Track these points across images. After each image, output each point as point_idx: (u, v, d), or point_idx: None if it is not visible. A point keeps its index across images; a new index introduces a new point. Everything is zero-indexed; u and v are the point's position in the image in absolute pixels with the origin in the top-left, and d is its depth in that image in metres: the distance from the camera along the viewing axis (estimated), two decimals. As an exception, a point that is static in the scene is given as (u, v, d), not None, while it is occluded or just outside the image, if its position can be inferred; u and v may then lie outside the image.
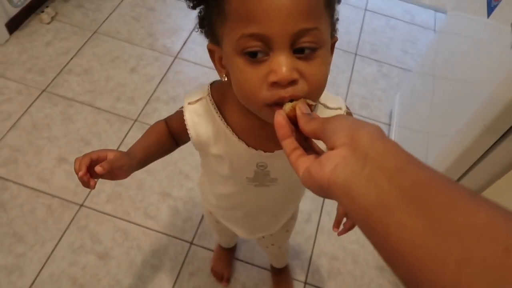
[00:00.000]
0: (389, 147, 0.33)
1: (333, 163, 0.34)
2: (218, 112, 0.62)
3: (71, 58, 1.88)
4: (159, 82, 1.84)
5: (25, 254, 1.33)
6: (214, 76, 0.57)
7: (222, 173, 0.71)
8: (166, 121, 0.74)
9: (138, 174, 1.53)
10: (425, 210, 0.28)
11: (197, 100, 0.63)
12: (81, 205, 1.45)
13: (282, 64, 0.44)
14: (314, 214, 1.52)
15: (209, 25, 0.52)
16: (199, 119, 0.64)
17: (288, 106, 0.43)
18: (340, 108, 0.65)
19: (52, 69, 1.82)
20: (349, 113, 0.68)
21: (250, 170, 0.67)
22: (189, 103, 0.64)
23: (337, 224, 0.78)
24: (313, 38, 0.45)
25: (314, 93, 0.48)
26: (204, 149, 0.67)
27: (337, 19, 0.52)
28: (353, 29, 2.26)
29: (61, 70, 1.82)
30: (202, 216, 1.47)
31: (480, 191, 1.09)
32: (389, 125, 1.82)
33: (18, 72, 1.78)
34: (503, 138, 0.93)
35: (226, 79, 0.54)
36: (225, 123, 0.62)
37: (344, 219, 0.77)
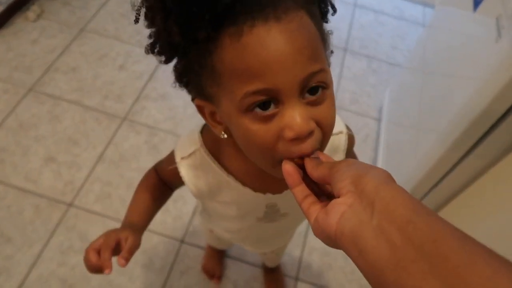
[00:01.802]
0: (396, 194, 0.32)
1: (339, 212, 0.33)
2: (216, 162, 0.58)
3: (58, 56, 1.85)
4: (148, 80, 1.83)
5: (13, 256, 1.31)
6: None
7: (229, 215, 0.68)
8: (157, 170, 0.69)
9: (128, 173, 1.52)
10: (441, 271, 0.26)
11: (191, 154, 0.59)
12: (70, 205, 1.43)
13: (296, 116, 0.40)
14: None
15: (193, 83, 0.46)
16: (197, 172, 0.60)
17: None
18: (341, 132, 0.63)
19: (39, 68, 1.79)
20: (350, 135, 0.65)
21: (259, 211, 0.65)
22: (182, 158, 0.60)
23: None
24: (321, 79, 0.41)
25: (327, 138, 0.45)
26: (207, 199, 0.64)
27: (332, 52, 0.48)
28: (343, 25, 2.26)
29: (48, 69, 1.80)
30: (193, 214, 1.46)
31: (469, 184, 1.09)
32: (379, 120, 1.82)
33: (4, 71, 1.75)
34: (489, 132, 0.94)
35: (225, 136, 0.49)
36: (226, 172, 0.58)
37: None
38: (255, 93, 0.39)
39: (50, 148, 1.56)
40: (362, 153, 1.73)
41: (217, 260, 1.35)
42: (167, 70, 1.86)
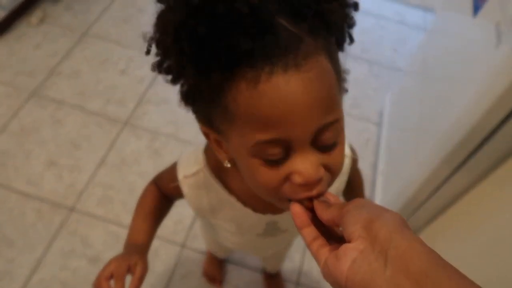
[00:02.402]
0: (411, 244, 0.30)
1: (350, 258, 0.32)
2: (219, 183, 0.59)
3: (60, 61, 1.86)
4: (150, 84, 1.83)
5: (15, 259, 1.31)
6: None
7: (229, 230, 0.69)
8: (157, 183, 0.69)
9: (129, 177, 1.52)
10: None
11: (194, 174, 0.60)
12: (72, 209, 1.43)
13: (307, 164, 0.39)
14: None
15: (202, 111, 0.44)
16: (199, 191, 0.60)
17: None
18: (346, 156, 0.62)
19: (41, 72, 1.80)
20: (354, 160, 0.65)
21: (259, 228, 0.65)
22: (185, 177, 0.60)
23: None
24: (335, 131, 0.40)
25: (334, 179, 0.44)
26: (208, 216, 0.65)
27: (346, 91, 0.46)
28: (344, 29, 2.27)
29: (50, 73, 1.81)
30: (194, 218, 1.46)
31: (470, 189, 1.09)
32: (380, 124, 1.83)
33: (6, 75, 1.77)
34: (489, 137, 0.94)
35: (229, 165, 0.48)
36: (228, 192, 0.59)
37: None
38: (268, 142, 0.39)
39: (52, 152, 1.57)
40: (363, 157, 1.73)
41: (217, 265, 1.35)
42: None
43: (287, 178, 0.41)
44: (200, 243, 1.42)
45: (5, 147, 1.56)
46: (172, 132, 1.68)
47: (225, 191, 0.59)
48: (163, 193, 0.69)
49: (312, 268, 1.42)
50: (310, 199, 0.42)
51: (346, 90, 0.46)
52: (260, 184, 0.43)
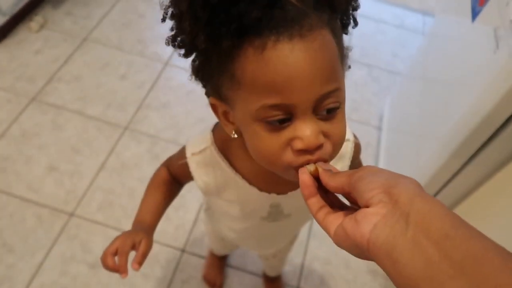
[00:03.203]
0: (432, 207, 0.31)
1: (371, 222, 0.33)
2: (225, 160, 0.60)
3: (61, 66, 1.87)
4: (150, 89, 1.84)
5: (15, 265, 1.31)
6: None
7: (233, 214, 0.70)
8: (167, 167, 0.72)
9: (130, 182, 1.52)
10: None
11: (201, 151, 0.62)
12: (72, 214, 1.43)
13: (307, 130, 0.41)
14: (306, 218, 1.52)
15: (211, 82, 0.47)
16: (206, 169, 0.62)
17: (312, 166, 0.42)
18: (348, 140, 0.64)
19: (42, 77, 1.81)
20: (357, 144, 0.67)
21: (263, 210, 0.66)
22: (193, 154, 0.62)
23: None
24: (336, 99, 0.43)
25: (336, 152, 0.46)
26: (214, 195, 0.66)
27: (349, 66, 0.49)
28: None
29: (50, 78, 1.81)
30: (194, 222, 1.46)
31: (470, 193, 1.09)
32: (380, 128, 1.83)
33: (7, 81, 1.77)
34: (490, 141, 0.94)
35: (235, 135, 0.50)
36: (234, 170, 0.60)
37: None
38: (272, 107, 0.41)
39: (53, 157, 1.57)
40: (363, 161, 1.73)
41: (218, 269, 1.35)
42: (169, 79, 1.87)
43: (288, 144, 0.43)
44: (200, 249, 1.42)
45: (5, 152, 1.56)
46: (172, 136, 1.68)
47: (231, 169, 0.60)
48: (172, 176, 0.71)
49: (313, 272, 1.42)
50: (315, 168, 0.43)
51: (349, 66, 0.48)
52: (262, 150, 0.44)
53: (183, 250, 1.41)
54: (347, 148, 0.64)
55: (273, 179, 0.55)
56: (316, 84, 0.40)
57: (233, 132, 0.50)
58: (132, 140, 1.66)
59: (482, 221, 1.05)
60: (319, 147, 0.43)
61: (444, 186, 1.13)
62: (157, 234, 1.52)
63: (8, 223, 1.39)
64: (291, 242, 1.03)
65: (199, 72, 0.47)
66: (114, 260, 0.58)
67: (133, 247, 0.59)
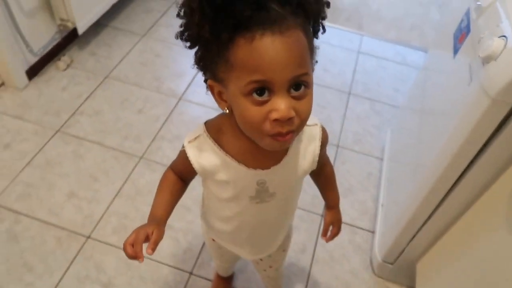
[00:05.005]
0: None
1: None
2: (216, 144, 0.72)
3: (84, 101, 2.03)
4: (164, 122, 1.98)
5: (34, 283, 1.41)
6: (214, 115, 0.74)
7: (225, 196, 0.80)
8: (172, 168, 0.84)
9: (143, 207, 1.63)
10: None
11: (196, 138, 0.74)
12: (88, 237, 1.54)
13: (282, 104, 0.56)
14: (309, 244, 1.58)
15: (209, 67, 0.61)
16: (201, 153, 0.74)
17: None
18: (316, 124, 0.78)
19: (66, 111, 1.97)
20: (323, 128, 0.80)
21: (252, 189, 0.77)
22: (189, 142, 0.75)
23: (324, 232, 0.97)
24: (305, 79, 0.57)
25: (302, 125, 0.61)
26: (210, 177, 0.78)
27: (316, 62, 0.64)
28: (347, 70, 2.40)
29: (74, 112, 1.97)
30: (202, 247, 1.54)
31: (459, 216, 1.15)
32: (382, 159, 1.90)
33: (35, 115, 1.94)
34: (469, 168, 1.01)
35: (227, 111, 0.64)
36: (224, 153, 0.72)
37: (331, 227, 0.98)
38: (256, 81, 0.55)
39: (73, 184, 1.69)
40: (365, 190, 1.81)
41: (224, 288, 1.41)
42: (182, 114, 2.02)
43: (267, 117, 0.57)
44: (207, 272, 1.49)
45: (31, 179, 1.69)
46: (184, 166, 1.79)
47: (222, 152, 0.72)
48: (177, 175, 0.83)
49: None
50: (283, 136, 0.58)
51: (316, 61, 0.64)
52: (248, 119, 0.59)
53: (191, 273, 1.48)
54: (316, 131, 0.78)
55: (257, 156, 0.71)
56: (290, 67, 0.55)
57: (226, 108, 0.64)
58: (147, 169, 1.78)
59: (475, 240, 1.10)
60: (290, 119, 0.57)
61: (432, 213, 1.19)
62: (167, 257, 1.60)
63: (30, 244, 1.50)
64: (284, 249, 1.09)
65: (200, 61, 0.62)
66: (132, 249, 0.68)
67: (147, 237, 0.70)
